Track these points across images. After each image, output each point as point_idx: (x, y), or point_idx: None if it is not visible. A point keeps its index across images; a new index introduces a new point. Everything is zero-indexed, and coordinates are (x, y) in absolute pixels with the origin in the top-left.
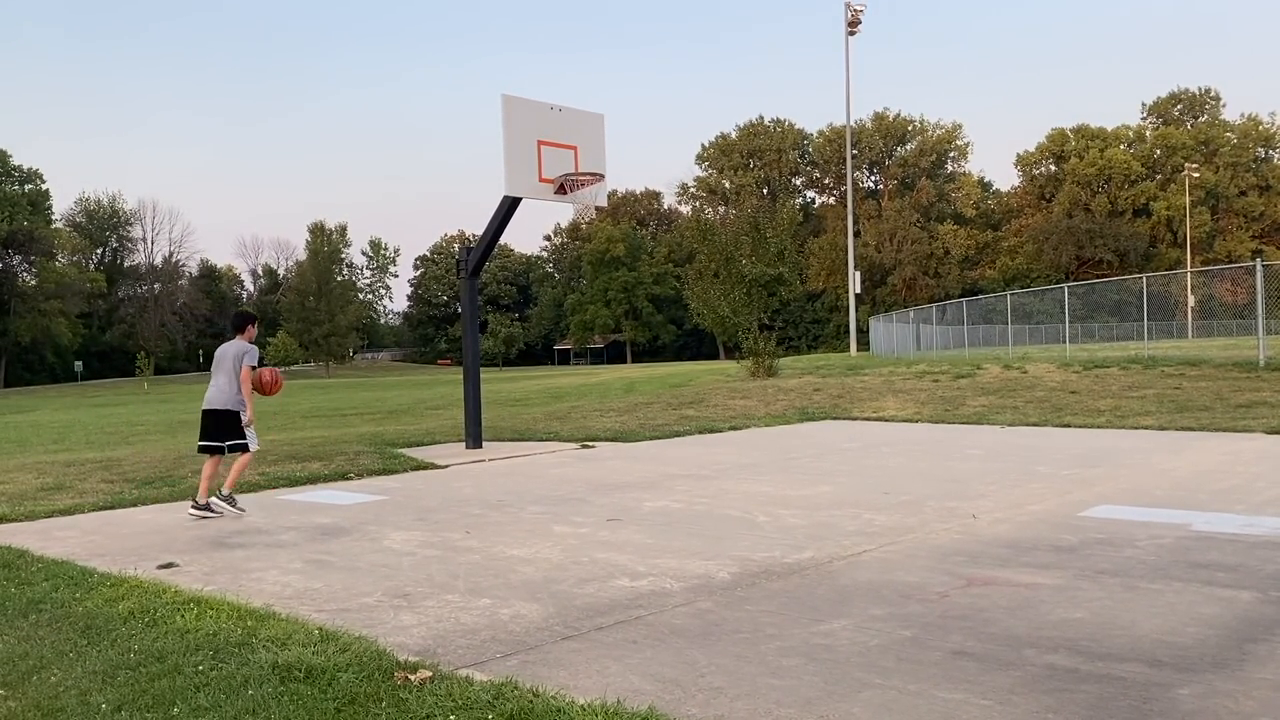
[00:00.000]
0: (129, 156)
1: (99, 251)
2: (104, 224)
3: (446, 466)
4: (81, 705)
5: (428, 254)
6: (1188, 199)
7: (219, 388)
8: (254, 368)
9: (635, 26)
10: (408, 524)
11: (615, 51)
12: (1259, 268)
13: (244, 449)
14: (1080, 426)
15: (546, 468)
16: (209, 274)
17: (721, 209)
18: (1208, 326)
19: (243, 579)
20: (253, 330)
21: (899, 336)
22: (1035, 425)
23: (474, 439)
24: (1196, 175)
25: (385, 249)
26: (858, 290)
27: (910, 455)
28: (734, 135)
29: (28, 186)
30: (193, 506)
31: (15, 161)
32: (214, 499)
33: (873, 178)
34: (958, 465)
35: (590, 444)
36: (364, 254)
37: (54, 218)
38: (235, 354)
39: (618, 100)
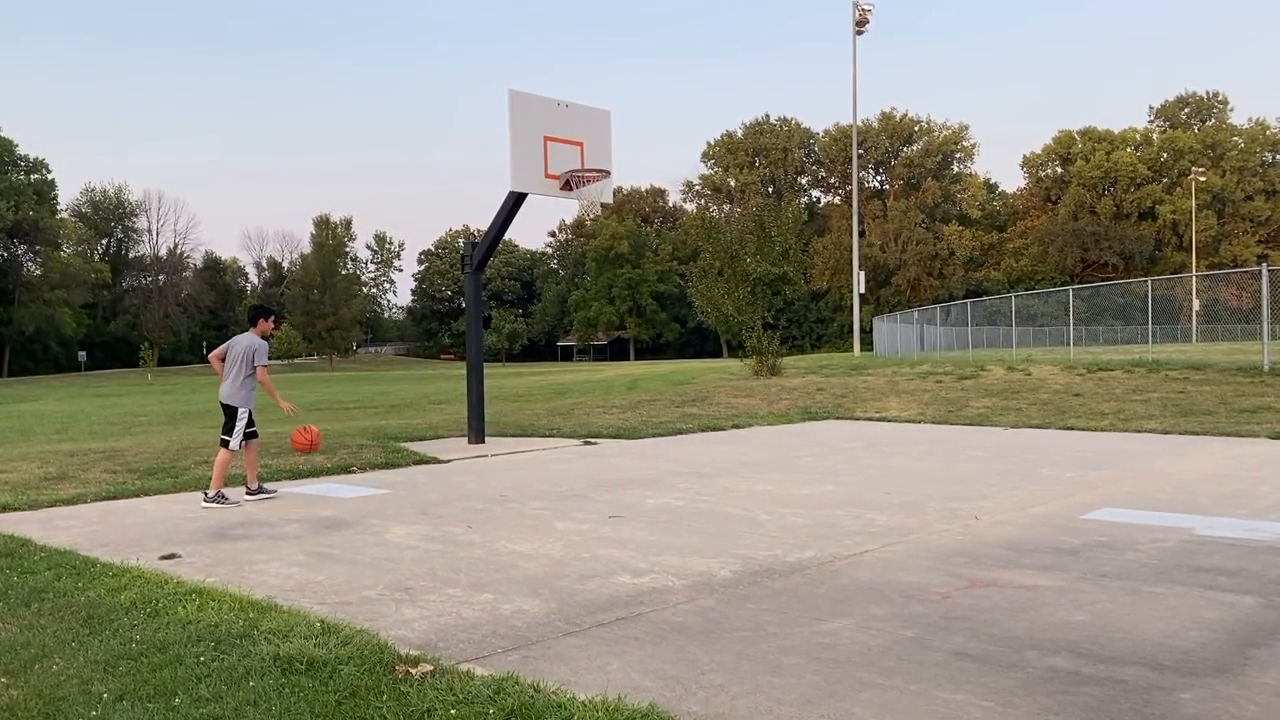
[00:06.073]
0: (136, 148)
1: (104, 242)
2: (109, 214)
3: (449, 461)
4: (83, 694)
5: (432, 248)
6: (1194, 203)
7: (224, 380)
8: (262, 365)
9: (643, 25)
10: (410, 518)
11: (622, 49)
12: (1265, 273)
13: (224, 444)
14: (1083, 429)
15: (549, 464)
16: (214, 266)
17: (726, 207)
18: (1212, 331)
19: (245, 571)
20: (265, 324)
21: (903, 337)
22: (1038, 427)
23: (477, 434)
24: (1203, 179)
25: (390, 243)
26: (862, 290)
27: (913, 456)
28: (740, 133)
29: (34, 176)
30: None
31: (22, 151)
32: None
33: (878, 177)
34: (960, 466)
35: (593, 440)
36: (369, 248)
37: (59, 207)
38: (245, 348)
39: (624, 98)
